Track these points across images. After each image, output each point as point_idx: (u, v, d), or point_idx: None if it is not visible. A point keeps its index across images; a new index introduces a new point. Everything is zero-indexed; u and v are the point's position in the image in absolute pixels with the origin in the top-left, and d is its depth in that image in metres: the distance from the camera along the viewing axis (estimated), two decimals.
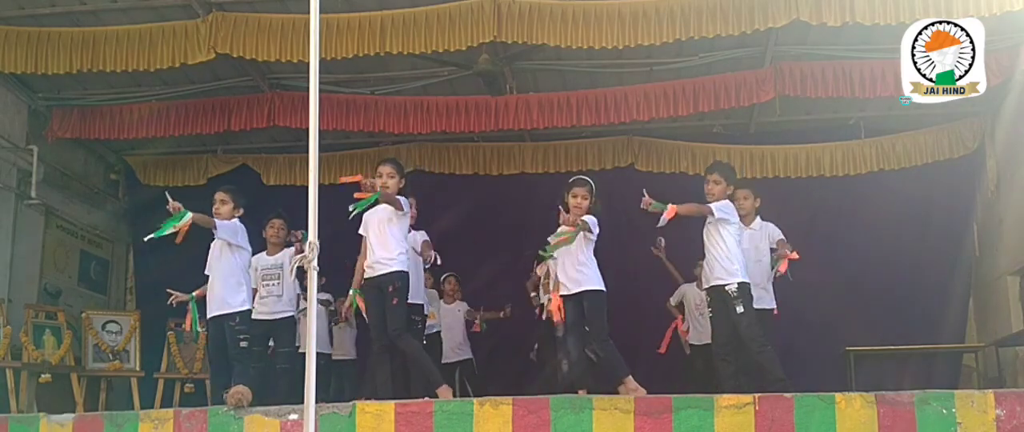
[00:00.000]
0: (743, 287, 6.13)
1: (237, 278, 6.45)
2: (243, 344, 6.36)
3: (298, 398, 5.54)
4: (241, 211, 6.55)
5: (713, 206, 6.20)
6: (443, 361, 8.05)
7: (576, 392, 5.82)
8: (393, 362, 6.07)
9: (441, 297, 8.44)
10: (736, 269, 6.14)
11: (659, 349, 8.31)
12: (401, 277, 6.12)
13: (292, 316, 6.92)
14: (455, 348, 8.47)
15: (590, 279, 6.11)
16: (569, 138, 9.60)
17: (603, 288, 6.15)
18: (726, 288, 6.12)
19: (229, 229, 6.41)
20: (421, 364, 6.04)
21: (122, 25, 7.67)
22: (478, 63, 7.74)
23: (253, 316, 6.56)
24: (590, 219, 6.13)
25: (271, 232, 6.95)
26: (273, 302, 6.77)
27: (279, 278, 6.79)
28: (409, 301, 6.47)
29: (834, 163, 9.22)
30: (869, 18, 6.92)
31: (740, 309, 6.08)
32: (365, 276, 6.16)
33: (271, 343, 6.91)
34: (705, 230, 6.33)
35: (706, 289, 6.40)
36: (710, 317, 6.43)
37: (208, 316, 6.46)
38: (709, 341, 7.74)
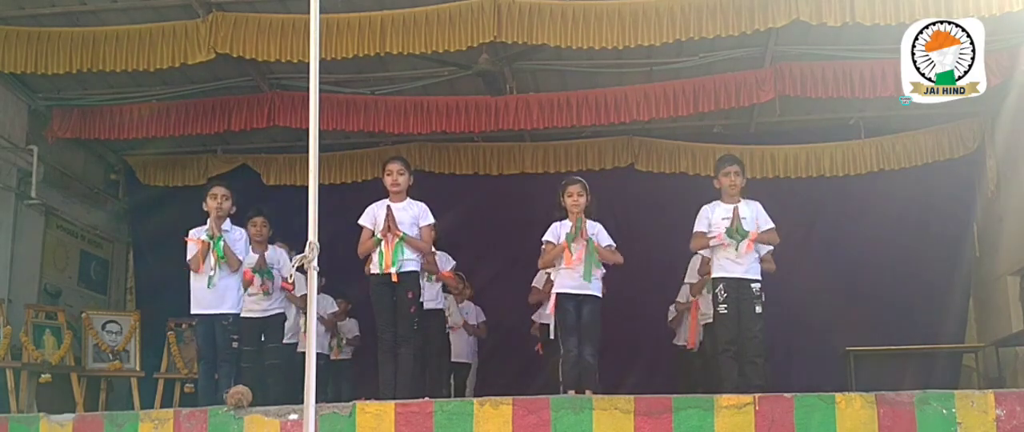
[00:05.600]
0: (766, 289, 6.10)
1: (236, 280, 6.46)
2: (234, 344, 6.41)
3: (289, 396, 5.57)
4: (234, 208, 6.56)
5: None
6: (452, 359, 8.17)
7: (583, 392, 5.82)
8: (398, 359, 6.05)
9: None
10: (759, 268, 6.12)
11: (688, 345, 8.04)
12: (417, 280, 6.15)
13: (281, 313, 6.94)
14: (459, 351, 8.49)
15: (594, 285, 6.11)
16: (569, 138, 9.60)
17: (601, 296, 6.16)
18: (752, 285, 6.06)
19: (243, 245, 6.52)
20: (406, 378, 6.00)
21: (122, 25, 7.66)
22: (478, 63, 7.75)
23: (243, 315, 6.57)
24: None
25: (253, 230, 6.93)
26: (263, 299, 6.78)
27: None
28: (434, 307, 6.91)
29: (834, 163, 9.22)
30: (869, 18, 6.92)
31: (759, 309, 6.04)
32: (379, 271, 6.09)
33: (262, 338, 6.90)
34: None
35: (722, 279, 6.10)
36: (723, 313, 6.12)
37: (202, 312, 6.41)
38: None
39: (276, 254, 6.97)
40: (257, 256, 6.81)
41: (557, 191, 6.35)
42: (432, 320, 7.08)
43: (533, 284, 7.68)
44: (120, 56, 7.56)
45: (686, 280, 7.88)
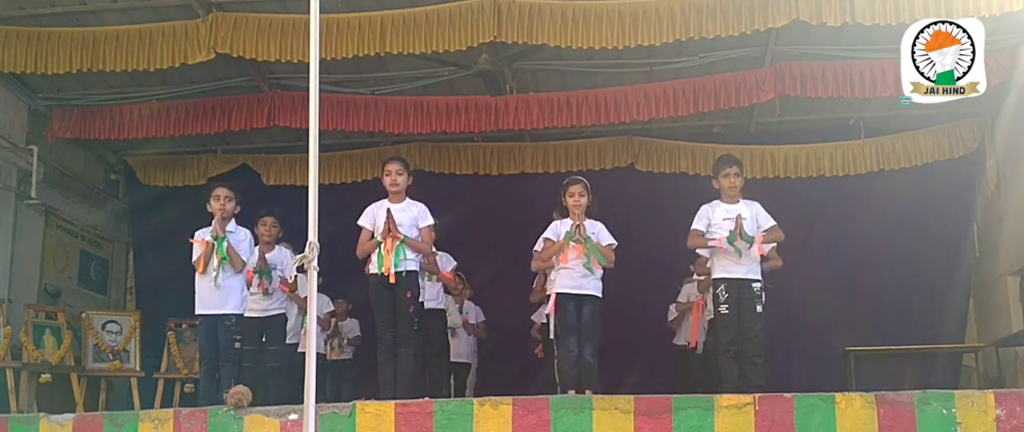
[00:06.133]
0: (763, 288, 6.09)
1: (240, 281, 6.48)
2: (237, 345, 6.41)
3: (290, 397, 5.57)
4: (239, 207, 6.56)
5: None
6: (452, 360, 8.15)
7: (583, 392, 5.81)
8: (397, 359, 6.05)
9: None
10: (759, 268, 6.10)
11: (692, 347, 8.06)
12: (416, 279, 6.15)
13: (282, 314, 6.94)
14: (459, 351, 8.49)
15: (594, 285, 6.11)
16: (569, 138, 9.60)
17: (601, 296, 6.14)
18: (753, 285, 6.04)
19: (247, 245, 6.51)
20: (406, 378, 6.00)
21: (122, 25, 7.67)
22: (478, 63, 7.75)
23: (244, 314, 6.58)
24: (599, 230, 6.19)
25: (263, 229, 6.95)
26: (262, 299, 6.78)
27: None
28: (435, 307, 6.98)
29: (834, 163, 9.23)
30: (869, 18, 6.92)
31: (760, 309, 6.02)
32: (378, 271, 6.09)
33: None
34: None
35: (723, 279, 6.09)
36: (723, 313, 6.10)
37: (205, 313, 6.43)
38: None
39: (281, 255, 6.97)
40: (259, 256, 6.82)
41: (558, 191, 6.34)
42: (433, 320, 7.09)
43: (535, 285, 7.69)
44: (120, 56, 7.56)
45: (695, 277, 7.86)
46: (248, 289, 6.64)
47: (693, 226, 6.26)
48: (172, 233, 9.03)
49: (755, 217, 6.19)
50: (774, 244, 6.33)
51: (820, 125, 9.47)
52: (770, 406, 5.01)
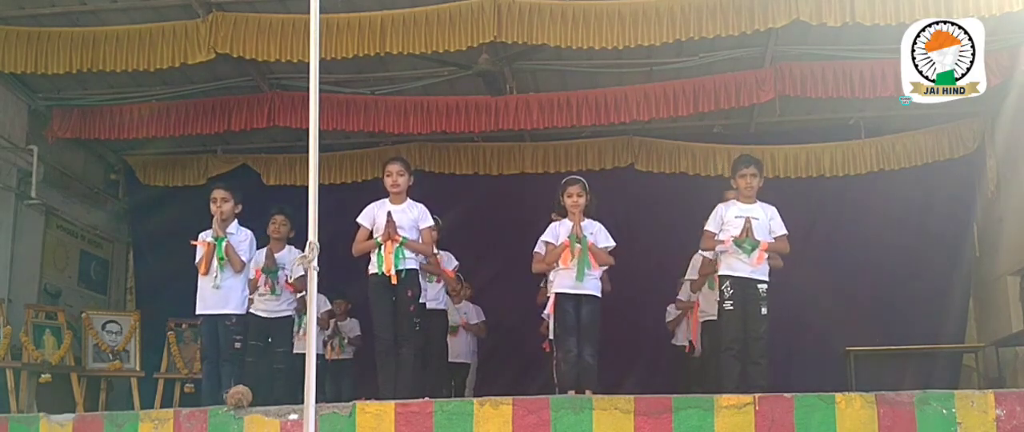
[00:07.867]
0: (769, 290, 6.08)
1: (241, 281, 6.48)
2: (237, 345, 6.42)
3: (295, 398, 5.57)
4: (240, 207, 6.55)
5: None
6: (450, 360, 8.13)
7: (583, 392, 5.80)
8: (399, 359, 6.05)
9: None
10: (767, 268, 6.09)
11: (686, 348, 8.05)
12: (416, 278, 6.15)
13: (290, 316, 6.93)
14: (459, 351, 8.48)
15: (593, 285, 6.10)
16: (569, 138, 9.60)
17: (600, 295, 6.14)
18: (759, 285, 6.04)
19: (248, 245, 6.52)
20: (407, 378, 6.00)
21: (122, 25, 7.67)
22: (478, 63, 7.75)
23: (251, 312, 6.60)
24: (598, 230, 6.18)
25: (272, 228, 6.96)
26: (271, 299, 6.78)
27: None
28: (436, 307, 7.00)
29: (834, 163, 9.22)
30: (869, 18, 6.92)
31: (765, 310, 6.02)
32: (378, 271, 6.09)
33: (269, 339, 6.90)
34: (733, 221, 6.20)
35: (728, 277, 6.09)
36: (728, 310, 6.10)
37: (206, 313, 6.45)
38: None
39: (291, 254, 6.94)
40: (267, 255, 6.81)
41: (557, 191, 6.33)
42: (434, 320, 7.08)
43: (542, 284, 7.67)
44: (120, 56, 7.56)
45: (687, 277, 7.86)
46: (252, 290, 6.65)
47: (706, 227, 6.29)
48: (172, 233, 9.04)
49: (769, 221, 6.19)
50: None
51: (820, 125, 9.46)
52: (770, 406, 5.02)
